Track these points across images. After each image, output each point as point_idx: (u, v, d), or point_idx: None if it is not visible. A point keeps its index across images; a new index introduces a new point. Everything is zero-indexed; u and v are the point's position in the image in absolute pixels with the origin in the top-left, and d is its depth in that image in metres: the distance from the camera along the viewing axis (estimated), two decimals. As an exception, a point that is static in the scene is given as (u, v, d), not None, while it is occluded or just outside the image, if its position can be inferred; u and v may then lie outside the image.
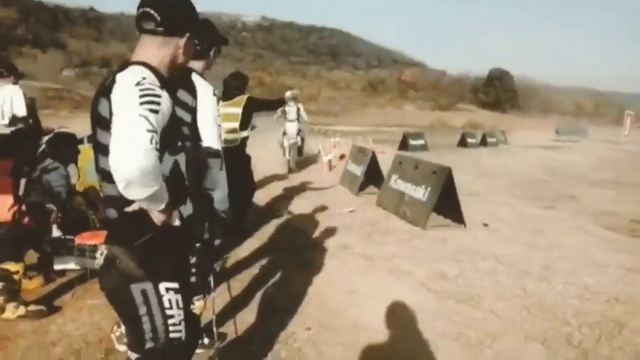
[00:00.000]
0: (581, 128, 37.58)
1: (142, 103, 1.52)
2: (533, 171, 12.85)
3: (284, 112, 10.84)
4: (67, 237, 4.01)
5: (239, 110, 5.11)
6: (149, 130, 1.51)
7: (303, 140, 11.85)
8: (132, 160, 1.47)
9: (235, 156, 4.86)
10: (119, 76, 1.61)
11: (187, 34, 1.76)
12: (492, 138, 23.33)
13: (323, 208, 7.00)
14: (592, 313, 3.63)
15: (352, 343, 3.15)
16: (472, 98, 68.16)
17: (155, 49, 1.72)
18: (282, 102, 5.80)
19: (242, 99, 5.17)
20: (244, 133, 5.19)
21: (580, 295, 3.98)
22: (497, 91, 67.28)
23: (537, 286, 4.17)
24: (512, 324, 3.44)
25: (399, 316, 3.57)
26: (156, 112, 1.55)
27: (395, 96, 71.09)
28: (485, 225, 6.27)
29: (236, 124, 5.08)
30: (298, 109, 10.93)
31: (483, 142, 22.41)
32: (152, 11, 1.67)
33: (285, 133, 11.21)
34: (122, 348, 2.83)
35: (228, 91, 5.24)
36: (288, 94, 5.79)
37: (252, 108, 5.25)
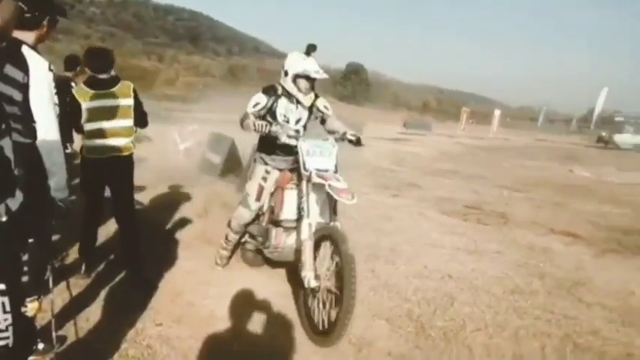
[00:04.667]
0: (426, 123, 41.29)
1: None
2: (383, 161, 13.78)
3: (273, 112, 3.79)
4: None
5: (131, 101, 3.73)
6: None
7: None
8: None
9: (127, 167, 3.85)
10: None
11: None
12: (349, 129, 24.39)
13: (178, 198, 6.73)
14: (429, 290, 4.04)
15: (206, 335, 3.09)
16: (332, 90, 70.70)
17: None
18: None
19: (128, 86, 3.75)
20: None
21: (419, 274, 4.40)
22: (354, 85, 70.70)
23: (384, 268, 4.51)
24: (361, 304, 3.65)
25: (255, 304, 3.59)
26: None
27: (257, 84, 70.45)
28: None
29: (130, 122, 3.77)
30: (316, 108, 3.91)
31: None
32: None
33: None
34: None
35: (99, 73, 3.68)
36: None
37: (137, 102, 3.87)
